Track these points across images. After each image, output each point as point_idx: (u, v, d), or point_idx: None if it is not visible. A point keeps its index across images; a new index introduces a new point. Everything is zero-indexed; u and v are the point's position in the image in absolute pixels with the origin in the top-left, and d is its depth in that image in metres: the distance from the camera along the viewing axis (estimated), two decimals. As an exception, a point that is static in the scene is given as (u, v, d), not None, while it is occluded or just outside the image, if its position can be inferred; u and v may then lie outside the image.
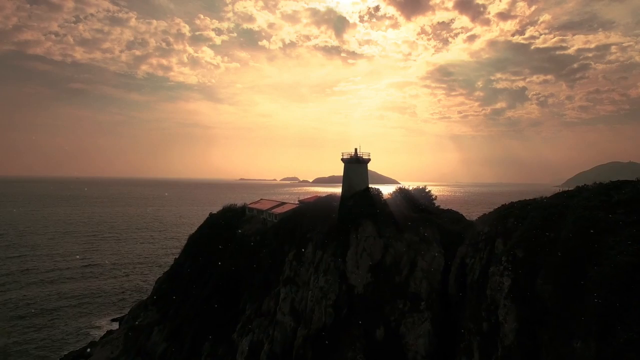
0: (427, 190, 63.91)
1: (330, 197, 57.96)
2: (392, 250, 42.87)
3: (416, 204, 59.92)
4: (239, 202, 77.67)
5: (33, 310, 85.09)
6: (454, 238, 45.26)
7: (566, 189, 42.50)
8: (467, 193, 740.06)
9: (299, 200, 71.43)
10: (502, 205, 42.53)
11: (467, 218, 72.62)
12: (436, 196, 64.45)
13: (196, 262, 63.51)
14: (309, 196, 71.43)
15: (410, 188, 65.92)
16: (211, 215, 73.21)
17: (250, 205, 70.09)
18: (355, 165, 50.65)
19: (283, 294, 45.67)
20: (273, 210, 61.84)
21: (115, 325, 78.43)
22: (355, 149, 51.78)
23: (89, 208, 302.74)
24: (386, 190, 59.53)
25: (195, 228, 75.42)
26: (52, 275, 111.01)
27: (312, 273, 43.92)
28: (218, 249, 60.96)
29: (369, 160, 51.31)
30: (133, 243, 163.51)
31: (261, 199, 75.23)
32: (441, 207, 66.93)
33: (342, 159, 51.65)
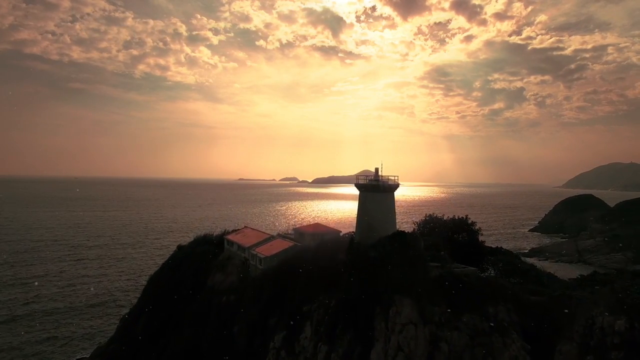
0: (469, 220, 46.73)
1: (338, 238, 40.79)
2: (444, 346, 25.73)
3: (457, 244, 42.97)
4: (217, 229, 60.60)
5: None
6: (537, 315, 28.29)
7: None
8: (467, 194, 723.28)
9: (293, 230, 54.41)
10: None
11: (517, 253, 55.92)
12: (480, 228, 47.34)
13: (153, 319, 46.33)
14: (307, 224, 54.37)
15: (444, 217, 48.89)
16: (179, 249, 55.82)
17: (229, 237, 52.86)
18: (376, 195, 33.44)
19: (265, 406, 28.58)
20: (257, 250, 44.61)
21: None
22: (377, 169, 34.66)
23: (81, 211, 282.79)
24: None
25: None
26: (19, 302, 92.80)
27: (311, 382, 26.80)
28: (181, 304, 43.83)
29: (397, 186, 34.13)
30: (120, 257, 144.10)
31: (245, 227, 57.79)
32: (480, 232, 49.37)
33: (357, 185, 34.55)
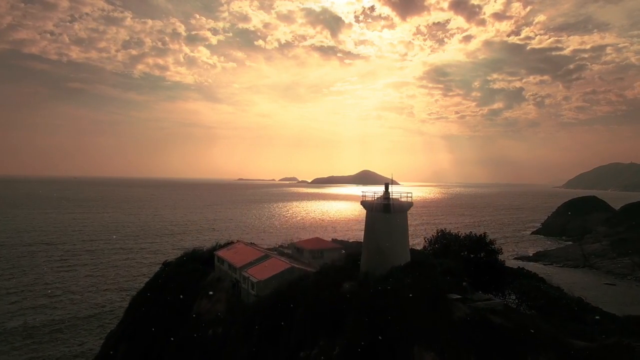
0: (486, 238, 41.76)
1: (340, 256, 35.88)
2: (475, 411, 20.92)
3: (475, 266, 38.07)
4: (207, 242, 55.52)
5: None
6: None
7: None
8: (467, 195, 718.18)
9: (290, 244, 49.57)
10: None
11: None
12: (501, 248, 42.32)
13: (133, 349, 41.37)
14: (306, 239, 49.47)
15: (459, 233, 43.96)
16: (165, 266, 50.79)
17: (219, 254, 47.85)
18: (386, 216, 28.53)
19: None
20: (250, 271, 39.62)
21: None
22: (387, 185, 29.75)
23: (79, 213, 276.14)
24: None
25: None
26: (10, 314, 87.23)
27: None
28: (164, 334, 38.87)
29: (410, 205, 29.25)
30: (117, 263, 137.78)
31: (238, 241, 52.65)
32: (501, 251, 44.13)
33: (363, 203, 29.66)
